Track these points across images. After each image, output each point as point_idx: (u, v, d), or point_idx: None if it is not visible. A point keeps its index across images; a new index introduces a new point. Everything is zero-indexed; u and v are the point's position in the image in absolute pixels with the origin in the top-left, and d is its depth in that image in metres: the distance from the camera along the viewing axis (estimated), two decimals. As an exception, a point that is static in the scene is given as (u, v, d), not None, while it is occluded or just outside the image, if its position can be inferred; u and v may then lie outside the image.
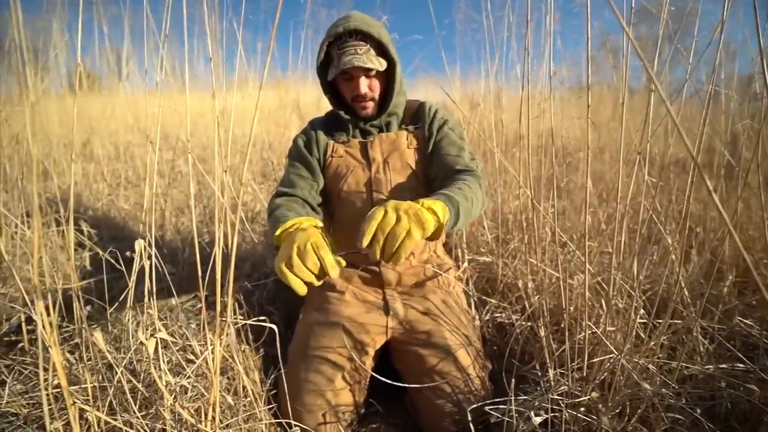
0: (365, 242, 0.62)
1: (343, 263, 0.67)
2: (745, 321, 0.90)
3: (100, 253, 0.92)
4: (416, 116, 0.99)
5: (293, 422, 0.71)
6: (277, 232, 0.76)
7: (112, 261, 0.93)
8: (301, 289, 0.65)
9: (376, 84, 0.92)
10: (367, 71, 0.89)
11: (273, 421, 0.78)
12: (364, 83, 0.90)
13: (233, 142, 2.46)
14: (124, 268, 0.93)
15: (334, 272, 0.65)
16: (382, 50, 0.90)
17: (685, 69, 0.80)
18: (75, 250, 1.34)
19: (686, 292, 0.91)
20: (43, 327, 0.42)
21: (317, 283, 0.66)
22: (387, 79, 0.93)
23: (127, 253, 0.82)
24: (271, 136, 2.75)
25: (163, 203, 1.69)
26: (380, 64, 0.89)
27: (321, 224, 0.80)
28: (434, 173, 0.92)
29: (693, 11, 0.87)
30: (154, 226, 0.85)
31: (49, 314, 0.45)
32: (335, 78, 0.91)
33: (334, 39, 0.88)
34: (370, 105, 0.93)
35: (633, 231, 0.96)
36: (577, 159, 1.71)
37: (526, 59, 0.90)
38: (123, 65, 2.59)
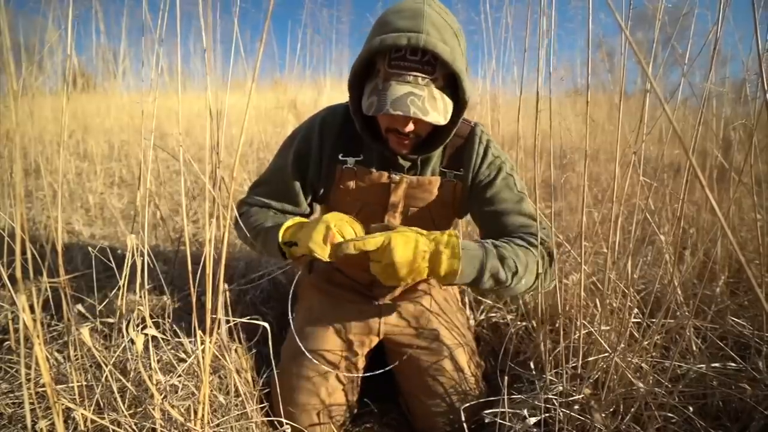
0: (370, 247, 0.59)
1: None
2: (737, 320, 0.90)
3: (91, 250, 0.91)
4: (462, 152, 0.76)
5: (285, 421, 0.70)
6: (288, 223, 0.68)
7: (104, 259, 0.92)
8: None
9: (426, 123, 0.64)
10: None
11: (264, 419, 0.77)
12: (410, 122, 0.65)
13: (230, 142, 2.45)
14: (114, 266, 0.92)
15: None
16: (452, 80, 0.64)
17: (682, 70, 0.81)
18: (66, 248, 1.32)
19: (680, 292, 0.92)
20: (26, 321, 0.41)
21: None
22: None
23: (118, 251, 0.81)
24: (268, 136, 2.74)
25: (157, 201, 1.67)
26: (443, 112, 0.63)
27: None
28: (481, 226, 0.78)
29: (686, 17, 0.88)
30: (147, 225, 0.84)
31: (33, 310, 0.44)
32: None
33: (391, 50, 0.61)
34: (410, 144, 0.70)
35: (628, 232, 0.96)
36: (573, 160, 1.73)
37: (525, 55, 0.90)
38: (119, 63, 2.57)
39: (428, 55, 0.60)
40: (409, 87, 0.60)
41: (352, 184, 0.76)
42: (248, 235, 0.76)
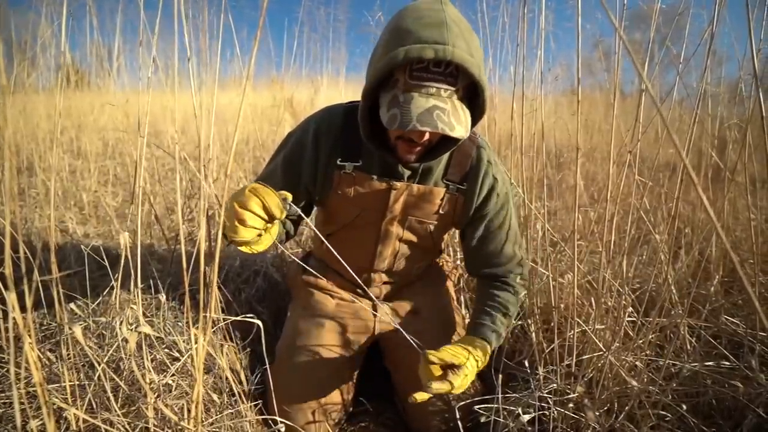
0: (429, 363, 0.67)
1: (290, 197, 0.59)
2: (731, 319, 0.91)
3: (84, 249, 0.90)
4: (468, 173, 0.75)
5: (279, 419, 0.70)
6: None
7: (97, 258, 0.91)
8: (253, 242, 0.59)
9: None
10: None
11: (259, 418, 0.77)
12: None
13: (226, 140, 2.44)
14: (108, 265, 0.91)
15: (280, 213, 0.58)
16: (472, 90, 0.62)
17: (676, 71, 0.82)
18: (60, 247, 1.30)
19: (674, 291, 0.92)
20: (16, 319, 0.40)
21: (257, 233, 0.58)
22: None
23: (112, 250, 0.80)
24: (265, 134, 2.73)
25: (152, 199, 1.66)
26: (465, 124, 0.60)
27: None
28: (472, 253, 0.81)
29: (682, 16, 0.88)
30: (142, 224, 0.83)
31: (24, 308, 0.43)
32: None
33: (413, 62, 0.57)
34: (419, 152, 0.68)
35: (623, 231, 0.96)
36: (570, 159, 1.73)
37: (518, 51, 0.90)
38: (114, 61, 2.55)
39: (451, 67, 0.57)
40: (433, 100, 0.58)
41: (350, 190, 0.74)
42: None
